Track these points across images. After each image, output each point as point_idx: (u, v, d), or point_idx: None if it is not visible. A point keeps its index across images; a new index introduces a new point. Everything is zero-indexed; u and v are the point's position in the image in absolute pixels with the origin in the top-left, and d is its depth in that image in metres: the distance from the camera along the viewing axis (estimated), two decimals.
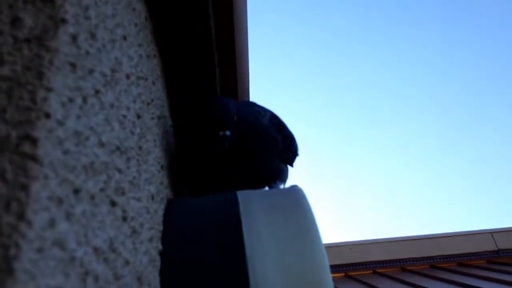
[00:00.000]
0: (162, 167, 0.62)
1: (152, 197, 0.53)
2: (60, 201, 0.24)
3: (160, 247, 0.54)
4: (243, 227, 0.57)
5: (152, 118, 0.59)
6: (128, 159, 0.43)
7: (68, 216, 0.25)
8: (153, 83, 0.63)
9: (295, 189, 0.64)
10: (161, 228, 0.56)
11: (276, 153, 0.77)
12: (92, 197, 0.30)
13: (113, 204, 0.35)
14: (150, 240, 0.49)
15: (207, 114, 0.69)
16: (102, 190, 0.33)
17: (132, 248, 0.40)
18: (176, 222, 0.58)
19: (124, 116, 0.42)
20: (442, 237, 4.34)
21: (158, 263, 0.51)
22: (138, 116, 0.49)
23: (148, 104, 0.57)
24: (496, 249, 4.33)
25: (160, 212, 0.57)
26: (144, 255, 0.45)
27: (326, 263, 0.54)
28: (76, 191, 0.27)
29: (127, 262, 0.37)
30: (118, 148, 0.39)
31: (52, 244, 0.22)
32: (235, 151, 0.72)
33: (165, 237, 0.56)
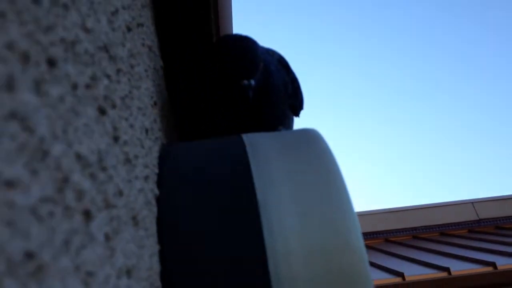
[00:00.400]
0: (155, 103, 0.53)
1: (146, 132, 0.44)
2: (26, 57, 0.16)
3: (157, 191, 0.45)
4: (253, 170, 0.49)
5: (143, 45, 0.50)
6: (118, 71, 0.34)
7: (38, 86, 0.16)
8: (142, 7, 0.53)
9: (308, 130, 0.57)
10: (156, 170, 0.48)
11: (285, 97, 0.69)
12: (75, 86, 0.21)
13: (102, 112, 0.27)
14: (146, 179, 0.41)
15: (228, 57, 0.60)
16: (88, 86, 0.24)
17: (126, 178, 0.32)
18: (174, 166, 0.50)
19: (113, 14, 0.33)
20: (424, 208, 4.39)
21: (154, 209, 0.43)
22: (128, 28, 0.40)
23: (138, 26, 0.48)
24: (477, 218, 4.41)
25: (155, 153, 0.49)
26: (139, 192, 0.36)
27: (352, 208, 0.47)
28: (52, 62, 0.18)
29: (120, 192, 0.29)
30: (105, 48, 0.30)
31: (9, 115, 0.14)
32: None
33: (162, 181, 0.48)
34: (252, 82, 0.58)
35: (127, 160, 0.33)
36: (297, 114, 0.75)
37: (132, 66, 0.40)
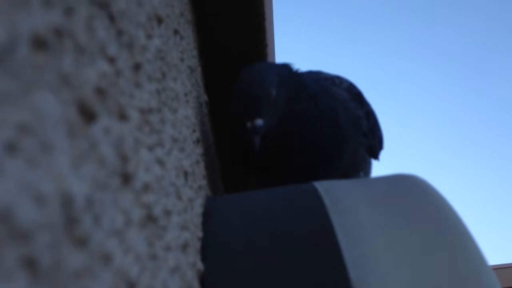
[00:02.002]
0: (198, 140, 0.39)
1: (186, 176, 0.30)
2: None
3: (201, 265, 0.30)
4: (337, 232, 0.33)
5: (181, 60, 0.37)
6: (137, 66, 0.20)
7: None
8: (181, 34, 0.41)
9: (407, 176, 0.40)
10: (200, 233, 0.33)
11: (358, 135, 0.53)
12: None
13: (88, 117, 0.12)
14: (184, 249, 0.26)
15: (234, 92, 0.46)
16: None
17: (145, 252, 0.17)
18: (226, 227, 0.35)
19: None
20: None
21: None
22: (159, 20, 0.27)
23: (176, 33, 0.35)
24: None
25: (198, 209, 0.34)
26: (172, 274, 0.21)
27: (490, 273, 0.30)
28: None
29: (131, 285, 0.14)
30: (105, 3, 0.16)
31: None
32: (291, 137, 0.48)
33: (209, 250, 0.32)
34: (259, 122, 0.42)
35: (150, 219, 0.19)
36: (377, 157, 0.58)
37: (163, 75, 0.27)
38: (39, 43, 0.11)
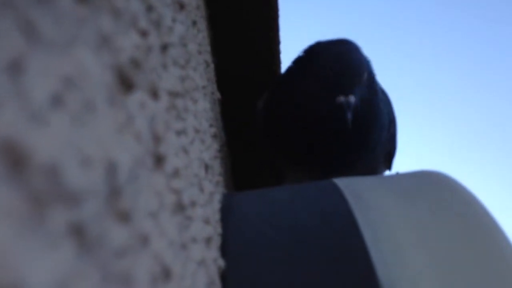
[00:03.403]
0: (215, 135, 0.38)
1: (206, 169, 0.29)
2: None
3: (221, 262, 0.29)
4: (362, 229, 0.32)
5: (199, 52, 0.36)
6: (164, 46, 0.19)
7: None
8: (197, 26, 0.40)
9: (432, 172, 0.39)
10: (219, 229, 0.31)
11: (386, 141, 0.51)
12: None
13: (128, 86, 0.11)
14: (208, 243, 0.24)
15: (318, 65, 0.43)
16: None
17: (176, 239, 0.16)
18: (245, 223, 0.34)
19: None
20: None
21: None
22: (181, 5, 0.26)
23: (194, 24, 0.34)
24: None
25: (217, 204, 0.33)
26: (199, 267, 0.20)
27: None
28: None
29: (167, 272, 0.13)
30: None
31: None
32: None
33: (228, 247, 0.31)
34: (352, 99, 0.40)
35: (179, 207, 0.18)
36: (390, 166, 0.56)
37: (186, 62, 0.26)
38: None
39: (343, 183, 0.38)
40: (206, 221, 0.25)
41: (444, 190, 0.35)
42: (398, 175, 0.39)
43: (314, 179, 0.45)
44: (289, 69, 0.52)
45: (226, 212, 0.35)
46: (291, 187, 0.39)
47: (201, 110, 0.31)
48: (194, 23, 0.35)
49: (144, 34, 0.16)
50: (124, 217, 0.10)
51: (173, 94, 0.20)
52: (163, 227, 0.14)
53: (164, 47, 0.19)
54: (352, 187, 0.37)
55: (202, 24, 0.44)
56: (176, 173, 0.17)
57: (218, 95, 0.54)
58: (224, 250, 0.31)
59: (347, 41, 0.45)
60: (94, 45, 0.10)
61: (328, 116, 0.42)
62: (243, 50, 0.60)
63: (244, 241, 0.32)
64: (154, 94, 0.16)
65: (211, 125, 0.36)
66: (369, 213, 0.33)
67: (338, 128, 0.43)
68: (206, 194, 0.27)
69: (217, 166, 0.36)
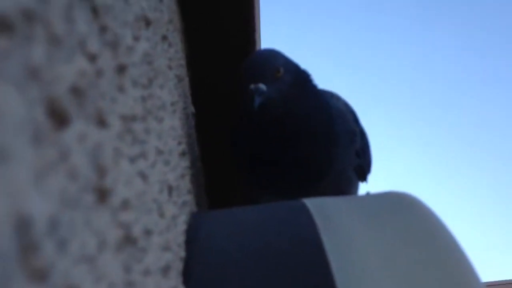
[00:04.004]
0: (184, 153, 0.37)
1: (170, 191, 0.28)
2: None
3: None
4: (328, 252, 0.31)
5: (169, 68, 0.35)
6: (120, 68, 0.18)
7: None
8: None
9: (401, 194, 0.39)
10: (182, 253, 0.30)
11: (352, 151, 0.51)
12: None
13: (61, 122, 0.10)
14: (165, 272, 0.23)
15: (243, 63, 0.47)
16: None
17: (122, 279, 0.15)
18: (210, 246, 0.33)
19: None
20: None
21: None
22: (147, 22, 0.25)
23: (163, 39, 0.33)
24: None
25: (181, 226, 0.32)
26: None
27: None
28: None
29: None
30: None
31: None
32: (285, 139, 0.47)
33: (192, 271, 0.30)
34: (262, 86, 0.42)
35: (128, 240, 0.16)
36: (365, 179, 0.57)
37: (150, 81, 0.25)
38: (3, 24, 0.09)
39: (312, 203, 0.37)
40: (165, 248, 0.24)
41: (411, 213, 0.34)
42: (367, 196, 0.39)
43: (283, 199, 0.45)
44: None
45: (192, 233, 0.34)
46: (261, 207, 0.38)
47: (168, 128, 0.30)
48: (164, 37, 0.34)
49: (93, 58, 0.15)
50: (41, 274, 0.09)
51: (129, 118, 0.19)
52: (102, 270, 0.13)
53: (122, 69, 0.18)
54: (321, 208, 0.36)
55: (175, 38, 0.43)
56: (125, 205, 0.16)
57: (192, 109, 0.53)
58: (187, 274, 0.30)
59: (267, 49, 0.49)
60: (18, 80, 0.09)
61: (248, 107, 0.44)
62: (220, 63, 0.60)
63: (209, 264, 0.31)
64: (101, 121, 0.14)
65: (179, 143, 0.35)
66: (337, 237, 0.33)
67: (259, 120, 0.45)
68: (167, 219, 0.26)
69: (184, 185, 0.35)
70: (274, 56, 0.46)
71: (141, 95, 0.22)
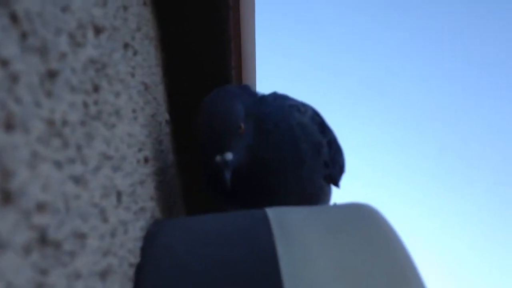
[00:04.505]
0: (145, 159, 0.37)
1: (119, 196, 0.28)
2: None
3: None
4: (281, 264, 0.31)
5: (132, 75, 0.35)
6: (51, 73, 0.19)
7: None
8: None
9: (360, 205, 0.39)
10: (133, 259, 0.30)
11: (319, 163, 0.51)
12: None
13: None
14: (103, 276, 0.23)
15: (200, 124, 0.43)
16: None
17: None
18: (166, 251, 0.33)
19: None
20: None
21: None
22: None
23: (126, 46, 0.34)
24: None
25: (137, 233, 0.32)
26: None
27: None
28: None
29: None
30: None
31: None
32: (258, 163, 0.47)
33: (144, 277, 0.30)
34: (229, 156, 0.41)
35: (44, 243, 0.17)
36: (337, 184, 0.57)
37: (96, 87, 0.25)
38: None
39: (274, 213, 0.37)
40: (107, 253, 0.24)
41: (367, 225, 0.35)
42: (329, 207, 0.39)
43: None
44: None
45: (150, 240, 0.34)
46: (223, 215, 0.38)
47: (122, 134, 0.30)
48: (127, 45, 0.34)
49: (5, 63, 0.15)
50: None
51: (59, 123, 0.19)
52: (1, 270, 0.13)
53: (52, 74, 0.19)
54: (281, 218, 0.36)
55: (146, 46, 0.43)
56: (41, 208, 0.16)
57: (166, 116, 0.54)
58: (139, 281, 0.30)
59: (219, 93, 0.45)
60: None
61: (216, 174, 0.44)
62: (196, 72, 0.60)
63: (163, 272, 0.31)
64: (9, 126, 0.15)
65: (140, 150, 0.35)
66: (292, 247, 0.33)
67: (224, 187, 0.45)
68: (113, 224, 0.26)
69: (144, 191, 0.35)
70: (231, 111, 0.43)
71: (83, 100, 0.23)
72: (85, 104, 0.23)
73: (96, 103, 0.25)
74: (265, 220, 0.36)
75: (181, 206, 0.65)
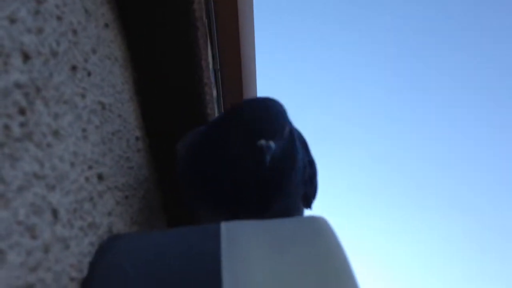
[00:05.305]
0: (99, 176, 0.38)
1: (55, 214, 0.29)
2: None
3: None
4: (225, 280, 0.32)
5: (82, 96, 0.37)
6: None
7: None
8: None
9: (315, 218, 0.39)
10: (82, 274, 0.31)
11: (301, 184, 0.52)
12: None
13: None
14: None
15: (245, 115, 0.44)
16: None
17: None
18: (113, 268, 0.34)
19: None
20: None
21: None
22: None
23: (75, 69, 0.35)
24: None
25: (82, 248, 0.33)
26: None
27: None
28: None
29: None
30: None
31: None
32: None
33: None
34: (272, 144, 0.41)
35: None
36: (309, 205, 0.57)
37: (22, 110, 0.26)
38: None
39: (227, 227, 0.38)
40: (34, 268, 0.25)
41: (314, 239, 0.35)
42: (283, 220, 0.40)
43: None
44: (215, 120, 0.53)
45: (100, 256, 0.35)
46: (178, 230, 0.39)
47: (63, 154, 0.31)
48: (74, 67, 0.36)
49: None
50: None
51: None
52: None
53: None
54: (233, 233, 0.37)
55: (107, 66, 0.45)
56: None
57: (136, 133, 0.55)
58: None
59: (272, 98, 0.46)
60: None
61: (248, 158, 0.43)
62: (170, 88, 0.62)
63: (108, 287, 0.32)
64: None
65: (89, 167, 0.36)
66: (236, 261, 0.33)
67: (255, 170, 0.43)
68: (44, 240, 0.27)
69: (94, 208, 0.36)
70: (282, 112, 0.45)
71: (4, 124, 0.24)
72: (6, 127, 0.24)
73: (23, 125, 0.26)
74: (216, 237, 0.37)
75: (162, 219, 0.66)
